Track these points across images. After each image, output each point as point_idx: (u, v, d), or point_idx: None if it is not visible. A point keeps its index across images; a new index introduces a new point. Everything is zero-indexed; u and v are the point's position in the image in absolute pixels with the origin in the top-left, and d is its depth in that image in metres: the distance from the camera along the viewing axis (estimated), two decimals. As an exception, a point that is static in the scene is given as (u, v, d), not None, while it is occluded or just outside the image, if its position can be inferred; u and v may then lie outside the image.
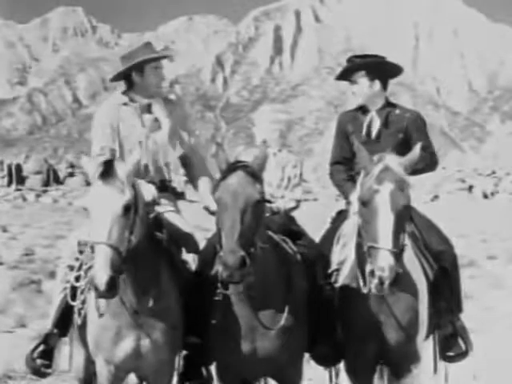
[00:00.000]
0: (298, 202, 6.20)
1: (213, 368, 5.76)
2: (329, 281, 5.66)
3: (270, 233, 5.42)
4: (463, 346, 5.98)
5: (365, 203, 5.01)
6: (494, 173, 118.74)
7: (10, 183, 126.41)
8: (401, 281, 4.85)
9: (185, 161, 6.08)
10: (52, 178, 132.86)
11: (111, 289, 4.59)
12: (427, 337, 5.83)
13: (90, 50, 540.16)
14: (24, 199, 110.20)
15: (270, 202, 5.31)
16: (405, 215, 5.00)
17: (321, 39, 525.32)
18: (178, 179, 6.17)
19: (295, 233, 5.89)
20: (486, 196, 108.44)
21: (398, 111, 6.23)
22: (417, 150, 5.18)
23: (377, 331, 5.36)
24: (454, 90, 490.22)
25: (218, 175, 5.08)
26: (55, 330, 5.73)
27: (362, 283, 5.27)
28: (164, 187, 5.94)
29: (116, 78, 6.06)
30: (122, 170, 4.87)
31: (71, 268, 5.64)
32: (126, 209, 4.78)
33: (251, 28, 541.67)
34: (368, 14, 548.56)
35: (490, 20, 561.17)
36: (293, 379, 5.48)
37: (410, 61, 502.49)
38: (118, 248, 4.68)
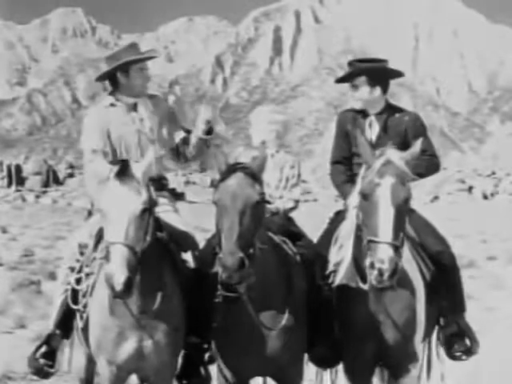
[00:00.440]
0: (297, 202, 6.19)
1: (211, 367, 5.78)
2: (327, 281, 5.67)
3: (270, 234, 5.42)
4: (469, 344, 6.00)
5: (366, 196, 5.04)
6: (493, 173, 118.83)
7: (9, 184, 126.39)
8: (399, 279, 4.86)
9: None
10: (51, 178, 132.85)
11: (128, 289, 4.63)
12: (425, 338, 5.84)
13: (90, 50, 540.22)
14: (23, 200, 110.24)
15: (268, 202, 5.31)
16: (405, 209, 5.03)
17: (320, 40, 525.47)
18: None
19: (295, 234, 5.90)
20: (485, 197, 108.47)
21: (397, 115, 6.23)
22: (418, 145, 5.21)
23: (375, 331, 5.37)
24: (454, 90, 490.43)
25: (217, 176, 5.07)
26: (57, 331, 5.72)
27: (359, 280, 5.28)
28: (160, 186, 5.94)
29: (101, 78, 6.11)
30: (137, 170, 4.92)
31: (72, 269, 5.64)
32: (144, 209, 4.82)
33: (251, 29, 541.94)
34: (368, 14, 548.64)
35: (490, 21, 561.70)
36: (293, 379, 5.49)
37: (410, 61, 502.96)
38: (134, 248, 4.71)
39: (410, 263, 5.45)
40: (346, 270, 5.53)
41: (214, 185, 5.05)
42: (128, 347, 5.15)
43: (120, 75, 5.92)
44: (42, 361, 5.70)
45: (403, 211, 4.99)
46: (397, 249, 4.84)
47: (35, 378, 6.07)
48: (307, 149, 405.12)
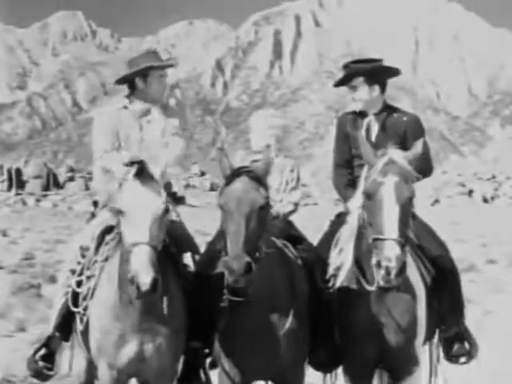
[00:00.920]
0: (296, 205, 6.20)
1: (210, 371, 5.78)
2: (328, 285, 5.68)
3: (273, 238, 5.42)
4: (468, 347, 6.01)
5: (369, 196, 5.06)
6: (493, 177, 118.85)
7: (9, 187, 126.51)
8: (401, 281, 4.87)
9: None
10: (52, 182, 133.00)
11: (153, 289, 4.66)
12: (425, 342, 5.84)
13: (90, 54, 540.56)
14: (24, 203, 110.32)
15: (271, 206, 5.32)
16: (409, 207, 5.05)
17: (320, 44, 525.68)
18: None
19: (295, 238, 5.91)
20: (485, 200, 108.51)
21: (395, 115, 6.26)
22: (419, 145, 5.25)
23: (376, 334, 5.38)
24: (454, 94, 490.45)
25: (221, 180, 5.08)
26: (57, 334, 5.73)
27: (364, 282, 5.29)
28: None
29: (120, 82, 6.13)
30: (155, 171, 4.95)
31: (73, 272, 5.65)
32: (165, 209, 4.88)
33: (251, 32, 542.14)
34: (368, 18, 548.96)
35: (490, 24, 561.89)
36: (294, 383, 5.49)
37: (410, 65, 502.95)
38: (157, 248, 4.77)
39: (410, 267, 5.45)
40: (347, 274, 5.53)
41: (219, 189, 5.06)
42: (129, 350, 5.15)
43: (138, 80, 5.97)
44: (41, 363, 5.72)
45: (407, 209, 5.01)
46: (403, 246, 4.85)
47: (35, 381, 6.07)
48: (307, 152, 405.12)
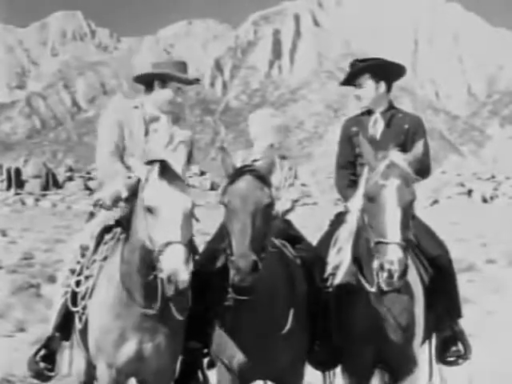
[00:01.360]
0: (294, 202, 6.19)
1: (208, 371, 5.78)
2: (326, 284, 5.68)
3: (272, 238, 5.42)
4: (462, 349, 6.01)
5: (371, 199, 5.05)
6: (493, 177, 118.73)
7: (9, 187, 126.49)
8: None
9: None
10: (51, 182, 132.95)
11: (188, 287, 4.71)
12: (424, 341, 5.84)
13: (89, 53, 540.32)
14: (23, 203, 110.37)
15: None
16: (411, 210, 5.05)
17: (320, 43, 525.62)
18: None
19: (294, 237, 5.90)
20: (485, 200, 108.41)
21: (400, 114, 6.29)
22: (420, 147, 5.25)
23: (374, 333, 5.38)
24: (454, 94, 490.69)
25: (224, 179, 5.07)
26: (57, 334, 5.72)
27: (364, 282, 5.28)
28: None
29: (138, 79, 5.98)
30: (179, 170, 4.92)
31: (72, 271, 5.63)
32: (193, 208, 4.84)
33: (250, 32, 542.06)
34: (367, 18, 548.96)
35: (490, 24, 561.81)
36: (293, 382, 5.49)
37: (410, 65, 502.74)
38: (188, 246, 4.73)
39: (409, 267, 5.45)
40: (345, 273, 5.53)
41: (221, 187, 5.05)
42: (128, 349, 5.14)
43: (157, 84, 5.86)
44: (41, 364, 5.71)
45: (409, 212, 5.01)
46: (405, 250, 4.84)
47: (35, 381, 6.06)
48: (307, 152, 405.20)
